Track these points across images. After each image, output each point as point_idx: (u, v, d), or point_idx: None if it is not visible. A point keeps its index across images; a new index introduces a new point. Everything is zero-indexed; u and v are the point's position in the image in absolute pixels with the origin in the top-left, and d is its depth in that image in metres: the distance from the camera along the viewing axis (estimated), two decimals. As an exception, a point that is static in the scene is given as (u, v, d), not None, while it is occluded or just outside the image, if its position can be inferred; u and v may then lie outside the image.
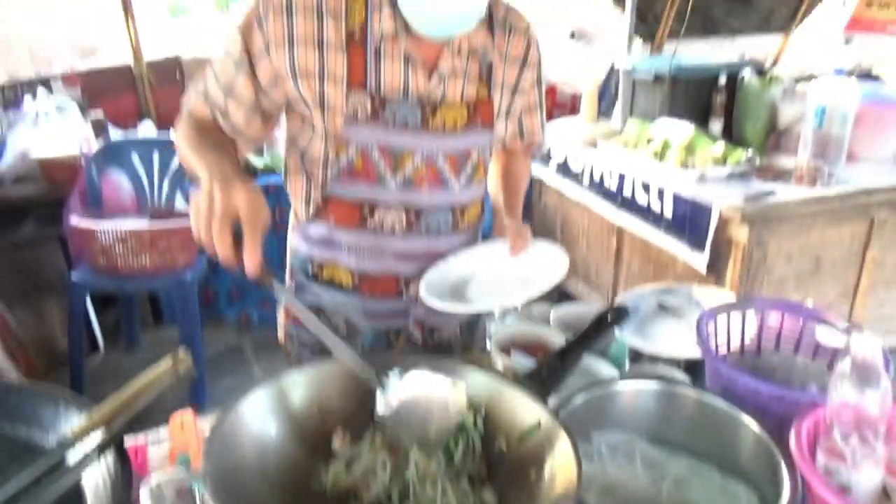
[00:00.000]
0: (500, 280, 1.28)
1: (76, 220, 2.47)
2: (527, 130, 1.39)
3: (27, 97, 3.08)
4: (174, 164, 2.91)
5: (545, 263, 1.26)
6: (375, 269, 1.26)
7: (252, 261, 0.86)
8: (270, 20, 1.09)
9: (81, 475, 0.70)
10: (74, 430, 0.75)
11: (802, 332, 1.11)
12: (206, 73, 1.17)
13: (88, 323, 2.89)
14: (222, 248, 0.86)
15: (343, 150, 1.16)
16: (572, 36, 2.85)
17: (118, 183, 2.87)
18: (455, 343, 1.41)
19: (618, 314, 1.06)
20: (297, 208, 1.28)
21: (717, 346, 1.12)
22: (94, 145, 2.97)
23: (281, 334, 1.39)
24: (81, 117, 3.09)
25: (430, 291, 1.20)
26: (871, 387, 0.81)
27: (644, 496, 0.90)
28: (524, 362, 1.16)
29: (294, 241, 1.32)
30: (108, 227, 2.45)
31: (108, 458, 0.75)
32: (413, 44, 1.14)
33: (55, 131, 2.99)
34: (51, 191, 2.89)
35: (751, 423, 0.91)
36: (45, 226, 2.95)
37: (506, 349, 1.23)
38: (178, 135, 1.13)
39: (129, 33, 3.11)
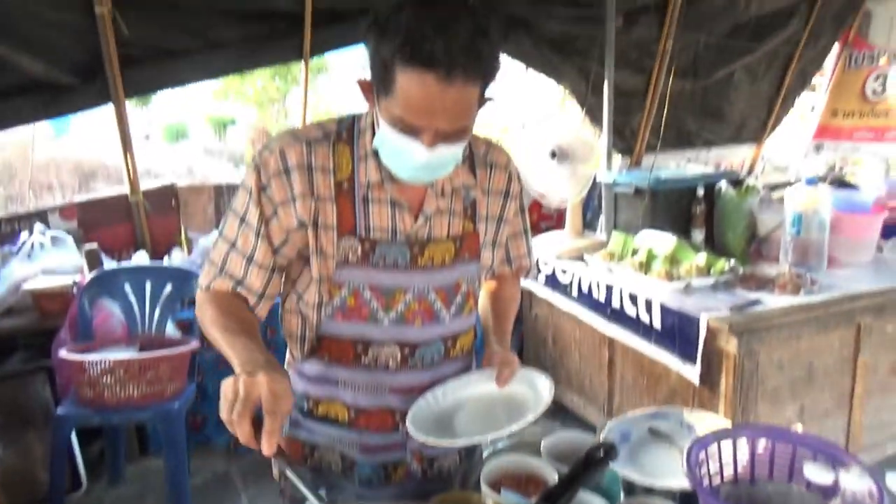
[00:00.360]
0: (487, 410, 1.27)
1: (64, 354, 2.46)
2: (514, 256, 1.45)
3: (24, 232, 3.15)
4: (166, 291, 2.93)
5: (532, 391, 1.26)
6: (371, 405, 1.27)
7: (269, 446, 0.96)
8: (273, 186, 1.18)
9: None
10: None
11: (794, 460, 1.09)
12: (216, 247, 1.23)
13: (72, 457, 2.80)
14: (242, 434, 0.96)
15: (336, 292, 1.20)
16: (553, 155, 2.98)
17: (109, 312, 2.88)
18: (455, 472, 1.40)
19: (607, 452, 1.05)
20: (293, 348, 1.30)
21: (709, 476, 1.10)
22: (87, 276, 3.01)
23: (275, 471, 1.36)
24: (76, 249, 3.14)
25: (417, 425, 1.19)
26: (866, 525, 0.79)
27: None
28: (514, 500, 1.13)
29: (291, 380, 1.32)
30: (95, 359, 2.43)
31: None
32: (398, 189, 1.21)
33: (49, 263, 3.03)
34: (42, 322, 2.90)
35: (748, 566, 0.88)
36: (34, 357, 2.94)
37: (496, 484, 1.21)
38: (204, 319, 1.19)
39: (127, 165, 3.22)
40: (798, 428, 1.14)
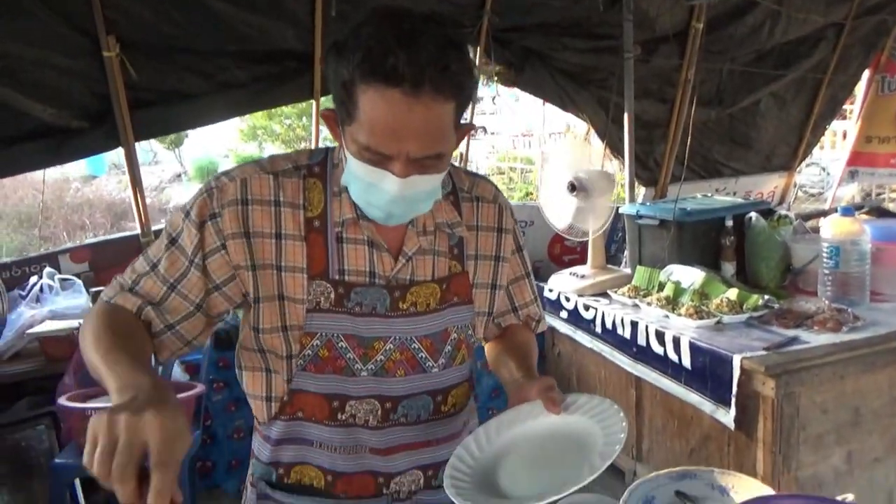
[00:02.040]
0: (540, 457, 1.09)
1: (63, 401, 2.38)
2: (519, 304, 1.31)
3: (34, 276, 3.12)
4: (174, 332, 2.85)
5: (596, 421, 1.07)
6: (350, 468, 1.12)
7: None
8: (225, 215, 1.05)
9: None
10: None
11: (847, 534, 0.94)
12: (138, 264, 1.08)
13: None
14: (124, 494, 0.72)
15: (307, 342, 1.07)
16: (572, 188, 2.86)
17: (116, 355, 2.80)
18: None
19: None
20: (258, 408, 1.15)
21: (747, 553, 0.95)
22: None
23: None
24: (85, 292, 3.10)
25: (458, 486, 1.01)
26: None
27: None
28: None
29: (256, 447, 1.19)
30: (98, 406, 2.34)
31: None
32: (376, 228, 1.09)
33: (57, 307, 2.98)
34: (48, 366, 2.83)
35: None
36: (40, 403, 2.86)
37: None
38: (87, 331, 0.98)
39: (137, 205, 3.19)
40: (848, 498, 0.98)
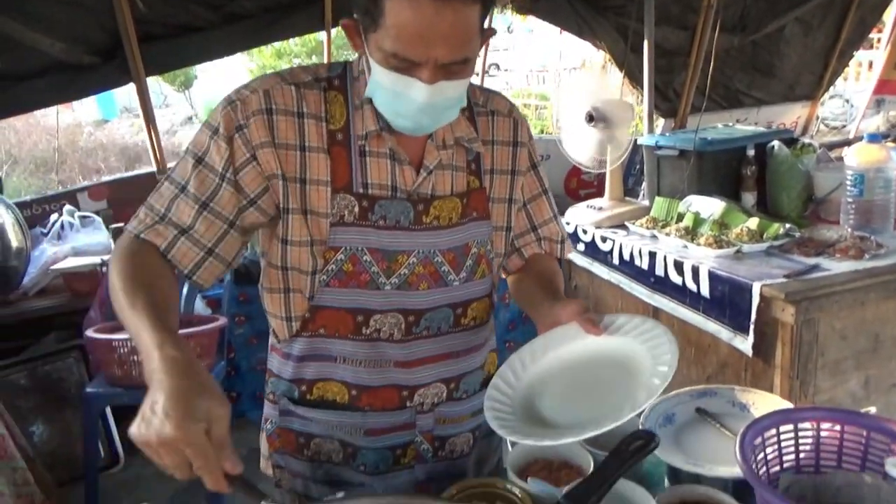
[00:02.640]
0: (583, 384, 1.06)
1: (91, 333, 2.43)
2: (538, 223, 1.29)
3: (54, 214, 3.15)
4: (195, 267, 2.89)
5: (637, 345, 1.04)
6: (375, 381, 1.14)
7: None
8: (252, 126, 1.04)
9: None
10: None
11: (867, 446, 0.95)
12: (159, 191, 1.06)
13: (109, 434, 2.80)
14: (214, 483, 0.81)
15: (331, 256, 1.08)
16: (590, 119, 2.80)
17: (139, 290, 2.85)
18: (468, 453, 1.27)
19: (646, 442, 0.92)
20: (279, 326, 1.16)
21: (767, 464, 0.96)
22: (115, 254, 2.99)
23: (265, 464, 1.26)
24: (105, 229, 3.13)
25: (500, 419, 1.00)
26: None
27: None
28: (543, 489, 1.01)
29: (275, 365, 1.21)
30: (124, 338, 2.40)
31: None
32: (397, 141, 1.08)
33: (79, 244, 3.02)
34: (73, 301, 2.90)
35: (817, 573, 0.74)
36: (68, 336, 2.94)
37: (523, 471, 1.09)
38: (114, 276, 0.97)
39: (152, 142, 3.18)
40: (871, 410, 0.99)
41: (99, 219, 3.18)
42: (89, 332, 2.44)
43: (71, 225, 3.10)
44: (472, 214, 1.15)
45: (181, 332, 2.42)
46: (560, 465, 1.10)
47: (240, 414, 3.15)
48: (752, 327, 2.13)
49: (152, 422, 0.78)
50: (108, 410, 2.76)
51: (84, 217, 3.17)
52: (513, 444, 1.13)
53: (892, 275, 2.13)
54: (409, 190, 1.09)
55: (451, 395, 1.20)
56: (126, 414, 2.92)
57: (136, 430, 0.80)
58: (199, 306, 2.90)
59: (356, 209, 1.07)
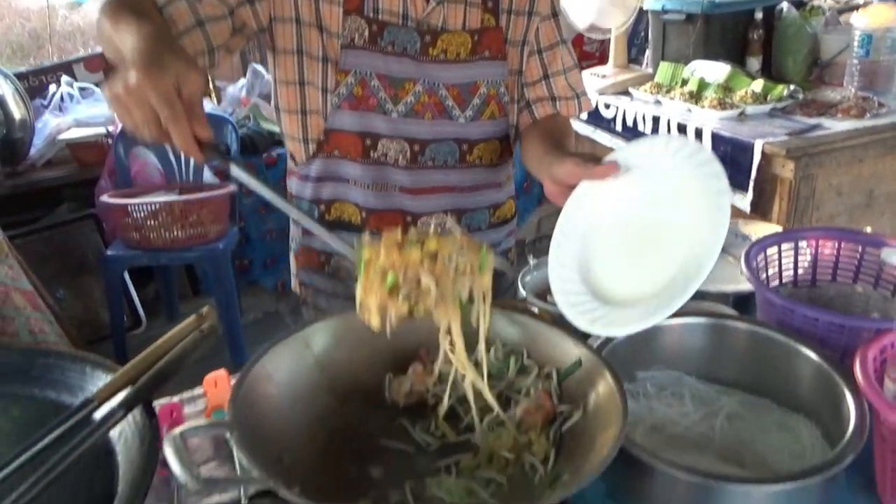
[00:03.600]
0: (642, 239, 0.89)
1: (106, 198, 2.48)
2: (552, 72, 1.27)
3: (51, 85, 3.11)
4: (200, 137, 2.90)
5: (675, 163, 0.86)
6: (382, 204, 1.21)
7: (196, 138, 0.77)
8: None
9: (109, 431, 0.68)
10: (100, 389, 0.73)
11: (861, 260, 1.04)
12: None
13: (130, 298, 2.93)
14: (182, 140, 0.76)
15: (342, 79, 1.12)
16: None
17: (145, 161, 2.87)
18: None
19: None
20: (296, 149, 1.22)
21: (767, 280, 1.05)
22: (119, 125, 2.98)
23: (294, 283, 1.36)
24: (105, 99, 3.10)
25: (565, 294, 0.86)
26: (945, 306, 0.74)
27: (695, 433, 0.85)
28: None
29: (295, 187, 1.28)
30: (138, 203, 2.46)
31: (136, 415, 0.73)
32: None
33: (81, 115, 3.00)
34: (81, 172, 2.93)
35: (810, 353, 0.84)
36: (79, 207, 2.99)
37: (541, 295, 1.18)
38: (104, 7, 0.90)
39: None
40: (867, 229, 1.07)
41: (98, 90, 3.14)
42: (104, 198, 2.50)
43: (71, 96, 3.07)
44: (485, 53, 1.17)
45: (191, 196, 2.49)
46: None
47: (253, 280, 3.27)
48: (751, 185, 2.20)
49: (122, 74, 0.76)
50: (127, 276, 2.85)
51: (83, 89, 3.13)
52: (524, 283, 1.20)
53: (892, 132, 2.18)
54: (418, 18, 1.12)
55: None
56: (143, 279, 3.03)
57: (108, 86, 0.78)
58: (208, 176, 2.94)
59: (366, 33, 1.10)
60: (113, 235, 2.72)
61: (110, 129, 2.93)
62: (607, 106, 2.94)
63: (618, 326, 0.80)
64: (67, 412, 0.70)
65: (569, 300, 0.86)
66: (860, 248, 1.03)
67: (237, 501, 0.85)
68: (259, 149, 3.12)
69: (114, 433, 0.72)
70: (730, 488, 0.69)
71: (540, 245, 3.75)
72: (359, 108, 1.13)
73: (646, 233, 0.89)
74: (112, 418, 0.67)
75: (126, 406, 0.69)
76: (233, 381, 1.07)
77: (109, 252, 2.55)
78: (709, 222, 0.80)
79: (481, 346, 0.76)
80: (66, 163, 2.97)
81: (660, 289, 0.81)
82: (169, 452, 0.57)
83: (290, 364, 0.79)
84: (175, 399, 1.04)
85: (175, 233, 2.47)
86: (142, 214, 2.46)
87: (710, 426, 0.86)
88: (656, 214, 0.88)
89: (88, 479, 0.69)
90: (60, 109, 3.07)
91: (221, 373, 1.09)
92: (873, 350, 0.79)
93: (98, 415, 0.71)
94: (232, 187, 2.66)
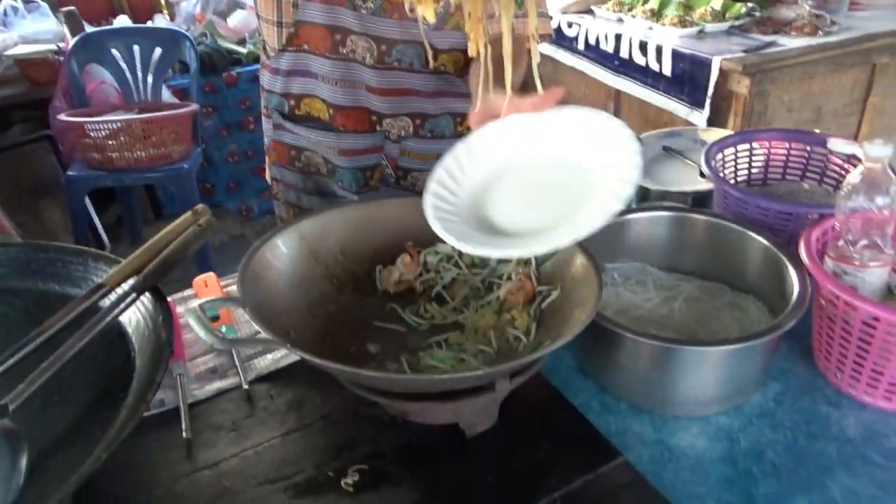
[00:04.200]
0: (537, 185, 0.86)
1: (63, 117, 2.42)
2: None
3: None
4: (156, 55, 2.82)
5: (599, 142, 0.83)
6: (348, 102, 1.24)
7: None
8: None
9: (123, 312, 0.73)
10: (110, 275, 0.77)
11: (809, 159, 1.12)
12: None
13: (91, 222, 2.89)
14: None
15: None
16: None
17: (101, 79, 2.79)
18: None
19: None
20: (269, 35, 1.23)
21: (724, 177, 1.13)
22: (70, 41, 2.87)
23: (267, 175, 1.40)
24: (51, 14, 2.96)
25: (442, 218, 0.79)
26: (882, 193, 0.82)
27: (656, 315, 0.95)
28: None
29: (267, 81, 1.30)
30: (96, 122, 2.40)
31: (146, 300, 0.77)
32: None
33: (27, 31, 2.87)
34: (32, 92, 2.83)
35: (760, 239, 0.93)
36: (31, 129, 2.90)
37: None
38: None
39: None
40: (817, 130, 1.15)
41: (44, 4, 2.99)
42: (62, 117, 2.43)
43: (15, 10, 2.92)
44: None
45: (152, 115, 2.44)
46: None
47: (217, 204, 3.26)
48: (708, 101, 2.27)
49: None
50: (87, 199, 2.81)
51: (28, 1, 2.98)
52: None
53: (841, 49, 2.27)
54: None
55: (416, 132, 1.30)
56: (104, 203, 2.99)
57: None
58: (166, 95, 2.87)
59: None
60: (70, 157, 2.66)
61: (60, 45, 2.82)
62: (570, 24, 2.95)
63: (467, 242, 0.75)
64: (81, 296, 0.73)
65: (438, 205, 0.82)
66: (808, 148, 1.11)
67: (237, 387, 0.93)
68: (218, 67, 3.05)
69: (124, 318, 0.77)
70: (687, 350, 0.78)
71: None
72: (330, 1, 1.14)
73: (543, 188, 0.86)
74: (125, 300, 0.72)
75: (137, 290, 0.74)
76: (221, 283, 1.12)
77: (70, 173, 2.51)
78: (601, 202, 0.77)
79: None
80: (15, 81, 2.85)
81: (532, 230, 0.79)
82: (193, 320, 0.62)
83: (286, 253, 0.84)
84: (168, 299, 1.08)
85: (137, 153, 2.44)
86: (101, 134, 2.41)
87: (670, 308, 0.96)
88: (558, 177, 0.85)
89: (105, 358, 0.74)
90: (5, 25, 2.92)
91: (210, 274, 1.13)
92: (816, 232, 0.88)
93: (107, 302, 0.75)
94: (193, 106, 2.61)
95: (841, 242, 0.85)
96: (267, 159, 1.40)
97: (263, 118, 1.35)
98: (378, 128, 1.26)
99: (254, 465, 0.79)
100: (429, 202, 0.81)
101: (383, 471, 0.77)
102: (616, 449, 0.78)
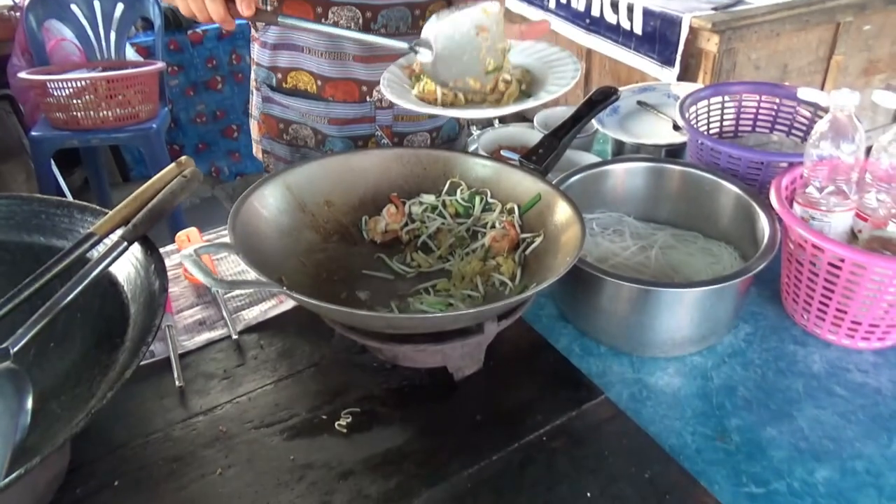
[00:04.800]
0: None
1: (24, 75, 2.35)
2: None
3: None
4: (118, 12, 2.73)
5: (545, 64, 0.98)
6: (336, 73, 1.23)
7: (247, 5, 0.86)
8: None
9: (116, 261, 0.73)
10: (99, 224, 0.77)
11: (778, 112, 1.16)
12: None
13: (57, 185, 2.83)
14: (216, 11, 0.86)
15: None
16: None
17: (61, 37, 2.70)
18: None
19: (607, 94, 1.07)
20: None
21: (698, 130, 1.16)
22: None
23: (256, 149, 1.40)
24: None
25: (393, 87, 0.92)
26: (847, 140, 0.86)
27: (633, 262, 0.98)
28: (514, 157, 1.19)
29: (256, 53, 1.30)
30: (58, 80, 2.34)
31: (136, 250, 0.78)
32: None
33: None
34: (-11, 50, 2.72)
35: (732, 187, 0.97)
36: (-11, 87, 2.81)
37: (493, 153, 1.26)
38: None
39: None
40: (785, 83, 1.18)
41: (-4, -44, 2.87)
42: (22, 75, 2.36)
43: (-35, -38, 2.79)
44: None
45: (117, 73, 2.38)
46: (524, 147, 1.28)
47: (185, 165, 3.20)
48: (678, 59, 2.30)
49: None
50: (52, 162, 2.74)
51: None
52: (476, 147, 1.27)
53: (806, 8, 2.30)
54: None
55: None
56: (70, 167, 2.91)
57: None
58: (130, 54, 2.80)
59: None
60: (33, 118, 2.58)
61: (17, 0, 2.71)
62: (541, -18, 2.94)
63: (422, 107, 0.88)
64: (71, 244, 0.74)
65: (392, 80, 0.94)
66: (777, 100, 1.15)
67: (227, 337, 0.94)
68: (183, 24, 2.98)
69: (114, 268, 0.77)
70: (663, 292, 0.82)
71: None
72: None
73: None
74: (116, 248, 0.72)
75: (127, 239, 0.74)
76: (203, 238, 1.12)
77: (34, 133, 2.44)
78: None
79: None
80: (-32, 38, 2.74)
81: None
82: (190, 265, 0.63)
83: (273, 203, 0.85)
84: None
85: (103, 113, 2.38)
86: (65, 93, 2.35)
87: (647, 256, 0.99)
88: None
89: (99, 306, 0.74)
90: (-46, -21, 2.80)
91: (192, 229, 1.13)
92: (786, 179, 0.92)
93: (96, 253, 0.75)
94: (160, 64, 2.55)
95: (809, 189, 0.89)
96: (256, 133, 1.38)
97: (253, 91, 1.34)
98: (368, 98, 1.25)
99: (248, 410, 0.81)
100: (385, 77, 0.93)
101: (375, 413, 0.80)
102: (598, 387, 0.82)
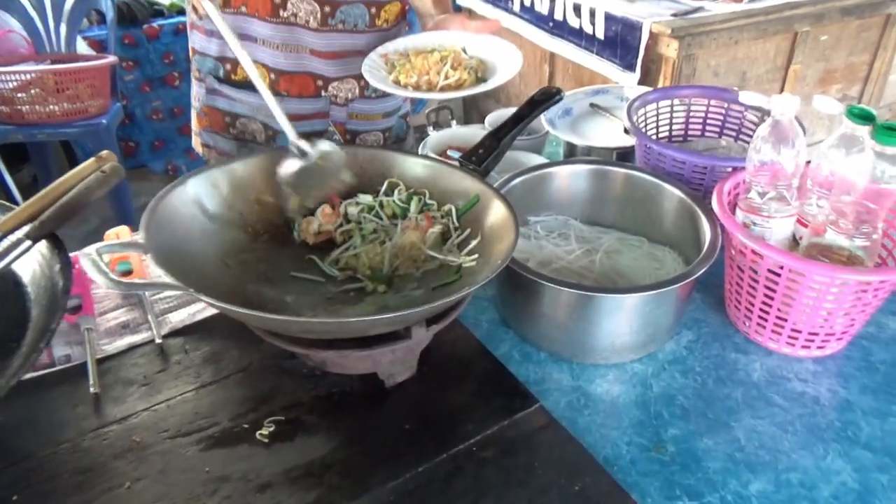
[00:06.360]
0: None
1: (-34, 65, 2.26)
2: None
3: None
4: (68, 4, 2.64)
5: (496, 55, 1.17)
6: (292, 66, 1.20)
7: None
8: None
9: (18, 259, 0.68)
10: (3, 220, 0.72)
11: (727, 116, 1.15)
12: None
13: (3, 181, 2.73)
14: None
15: None
16: None
17: (7, 28, 2.60)
18: None
19: (550, 94, 1.05)
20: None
21: (646, 133, 1.15)
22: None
23: (195, 142, 1.34)
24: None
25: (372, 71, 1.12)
26: (788, 146, 0.85)
27: (577, 266, 0.96)
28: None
29: (199, 43, 1.23)
30: (4, 73, 2.25)
31: (43, 248, 0.73)
32: None
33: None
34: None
35: (676, 191, 0.95)
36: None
37: (441, 153, 1.23)
38: None
39: None
40: (736, 88, 1.18)
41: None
42: (-37, 65, 2.27)
43: None
44: None
45: (66, 66, 2.30)
46: (473, 148, 1.25)
47: (141, 164, 3.12)
48: (639, 64, 2.30)
49: None
50: (-2, 157, 2.65)
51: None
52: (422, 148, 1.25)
53: (765, 16, 2.32)
54: None
55: (362, 93, 1.28)
56: (17, 163, 2.79)
57: None
58: (82, 48, 2.71)
59: None
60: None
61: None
62: (505, -16, 2.93)
63: (400, 90, 1.09)
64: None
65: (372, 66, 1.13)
66: (726, 105, 1.14)
67: (150, 341, 0.90)
68: (138, 18, 2.90)
69: (18, 267, 0.73)
70: (603, 298, 0.80)
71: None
72: None
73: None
74: (20, 246, 0.67)
75: (32, 237, 0.70)
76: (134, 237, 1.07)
77: (-24, 128, 2.35)
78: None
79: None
80: None
81: None
82: (87, 265, 0.58)
83: (196, 200, 0.81)
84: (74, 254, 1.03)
85: (51, 107, 2.30)
86: (9, 86, 2.26)
87: (591, 260, 0.97)
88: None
89: (-1, 307, 0.70)
90: None
91: (123, 227, 1.08)
92: (729, 184, 0.90)
93: (1, 247, 0.71)
94: (112, 58, 2.47)
95: (751, 194, 0.88)
96: (195, 125, 1.31)
97: (194, 82, 1.27)
98: (323, 93, 1.22)
99: (165, 418, 0.77)
100: (366, 63, 1.13)
101: (300, 421, 0.76)
102: (532, 395, 0.79)
